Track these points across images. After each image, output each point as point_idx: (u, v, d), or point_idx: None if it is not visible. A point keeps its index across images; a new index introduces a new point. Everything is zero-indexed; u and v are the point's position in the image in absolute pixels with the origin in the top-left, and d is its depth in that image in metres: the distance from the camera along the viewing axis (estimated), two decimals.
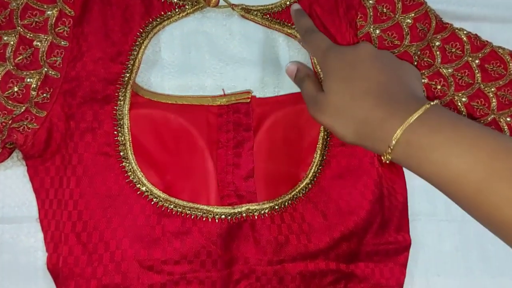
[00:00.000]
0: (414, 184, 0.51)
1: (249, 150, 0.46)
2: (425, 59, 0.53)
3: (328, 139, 0.47)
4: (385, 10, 0.53)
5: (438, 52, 0.53)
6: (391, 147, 0.36)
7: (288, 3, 0.52)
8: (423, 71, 0.53)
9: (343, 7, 0.52)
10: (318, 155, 0.47)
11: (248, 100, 0.48)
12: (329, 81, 0.39)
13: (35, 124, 0.45)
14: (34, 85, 0.46)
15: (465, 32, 0.55)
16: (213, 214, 0.44)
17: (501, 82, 0.53)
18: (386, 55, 0.40)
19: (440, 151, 0.35)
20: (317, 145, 0.47)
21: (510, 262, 0.50)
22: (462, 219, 0.51)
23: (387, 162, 0.37)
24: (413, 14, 0.53)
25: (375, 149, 0.37)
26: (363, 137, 0.38)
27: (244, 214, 0.44)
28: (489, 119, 0.52)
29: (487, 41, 0.55)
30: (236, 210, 0.44)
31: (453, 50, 0.54)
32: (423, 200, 0.51)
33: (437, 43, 0.54)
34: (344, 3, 0.52)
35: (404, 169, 0.50)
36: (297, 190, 0.46)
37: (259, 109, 0.48)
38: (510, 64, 0.54)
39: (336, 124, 0.39)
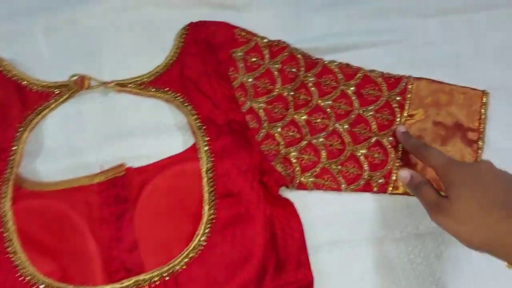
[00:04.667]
0: (312, 215, 0.51)
1: (129, 222, 0.47)
2: (301, 97, 0.55)
3: (213, 192, 0.48)
4: (254, 59, 0.56)
5: (313, 88, 0.56)
6: None
7: (159, 70, 0.55)
8: (301, 109, 0.55)
9: (212, 65, 0.55)
10: (206, 211, 0.47)
11: (123, 173, 0.49)
12: (455, 189, 0.41)
13: None
14: None
15: (335, 63, 0.58)
16: None
17: (378, 103, 0.56)
18: (506, 173, 0.43)
19: None
20: (203, 201, 0.48)
21: (417, 281, 0.50)
22: (367, 243, 0.52)
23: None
24: (279, 59, 0.56)
25: (503, 256, 0.39)
26: (490, 243, 0.39)
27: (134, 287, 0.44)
28: (372, 141, 0.54)
29: (357, 67, 0.58)
30: (124, 285, 0.44)
31: (328, 82, 0.57)
32: (323, 229, 0.51)
33: (311, 79, 0.57)
34: (212, 61, 0.55)
35: (298, 203, 0.50)
36: (189, 249, 0.46)
37: (139, 178, 0.49)
38: (383, 86, 0.57)
39: (462, 230, 0.40)
